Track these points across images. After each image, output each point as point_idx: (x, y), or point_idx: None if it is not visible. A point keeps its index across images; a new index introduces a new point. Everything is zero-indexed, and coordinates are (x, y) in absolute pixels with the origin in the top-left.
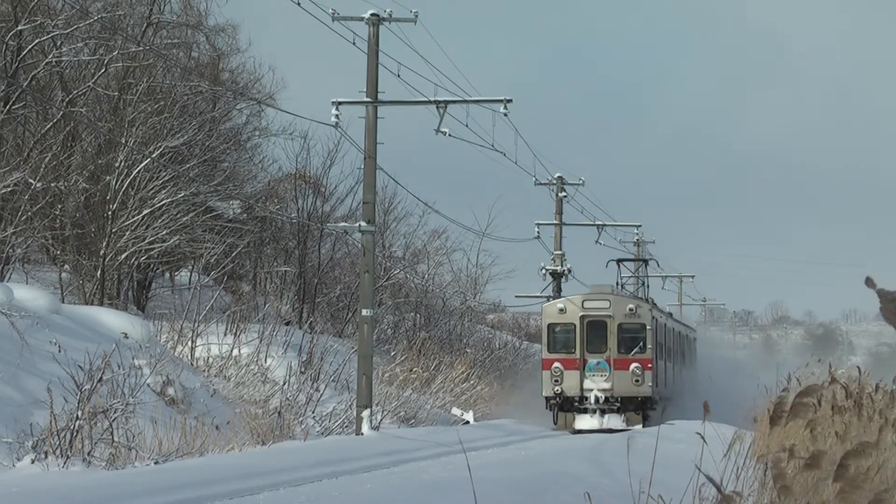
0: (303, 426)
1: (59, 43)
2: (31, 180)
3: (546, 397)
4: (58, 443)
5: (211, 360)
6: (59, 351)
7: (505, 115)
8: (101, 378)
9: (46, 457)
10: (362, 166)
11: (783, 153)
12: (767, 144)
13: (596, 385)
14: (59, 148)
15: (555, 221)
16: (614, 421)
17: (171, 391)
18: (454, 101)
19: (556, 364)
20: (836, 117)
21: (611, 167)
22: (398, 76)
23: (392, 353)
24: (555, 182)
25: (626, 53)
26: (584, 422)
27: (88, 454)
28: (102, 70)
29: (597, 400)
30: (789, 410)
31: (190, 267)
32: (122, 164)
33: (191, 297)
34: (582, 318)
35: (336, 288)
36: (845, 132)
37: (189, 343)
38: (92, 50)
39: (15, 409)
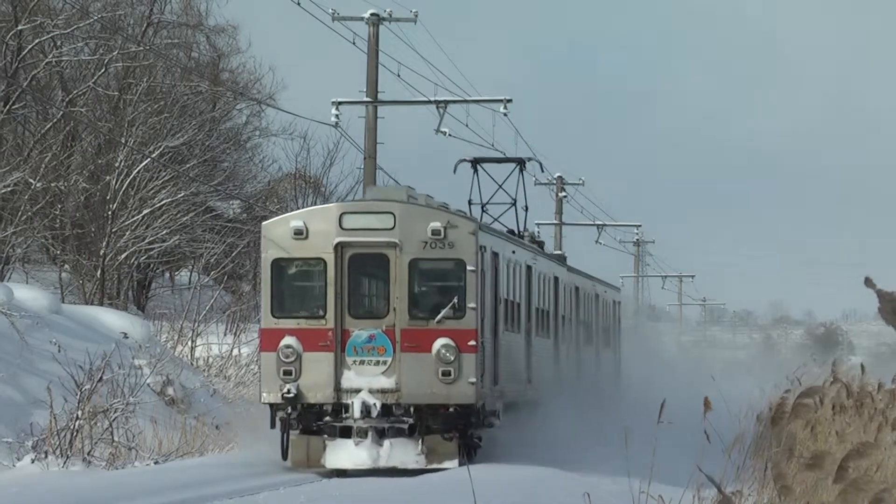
0: None
1: (59, 43)
2: (31, 180)
3: (269, 404)
4: (58, 443)
5: (211, 360)
6: (59, 351)
7: (505, 114)
8: (101, 378)
9: (46, 457)
10: (362, 166)
11: (783, 153)
12: (767, 144)
13: (367, 382)
14: (59, 148)
15: (555, 221)
16: (403, 452)
17: (170, 391)
18: (454, 101)
19: (289, 340)
20: (836, 117)
21: (611, 167)
22: (398, 76)
23: None
24: (555, 182)
25: (625, 53)
26: (345, 454)
27: (88, 454)
28: (102, 70)
29: (367, 411)
30: (791, 411)
31: (190, 267)
32: (122, 164)
33: (191, 296)
34: (340, 248)
35: None
36: (845, 132)
37: (189, 343)
38: (92, 50)
39: (15, 409)
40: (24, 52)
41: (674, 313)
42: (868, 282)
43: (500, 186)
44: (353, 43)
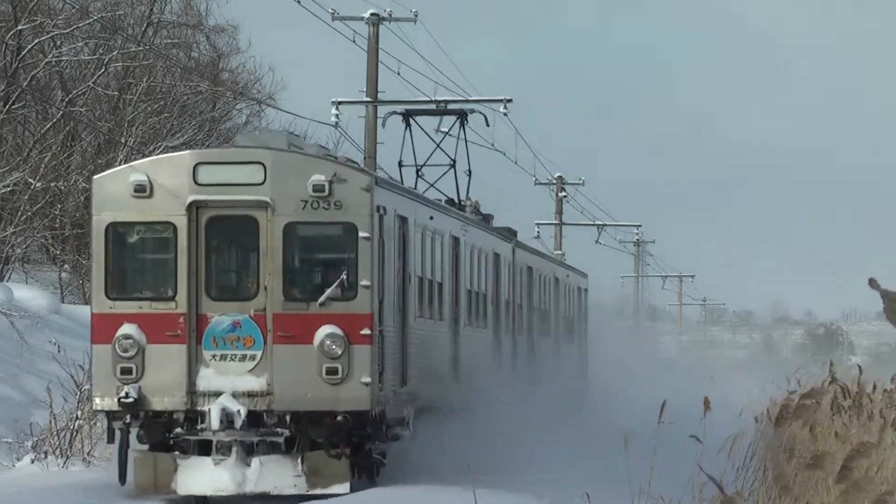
0: None
1: (59, 43)
2: (31, 180)
3: (104, 412)
4: (58, 443)
5: None
6: (59, 351)
7: (505, 114)
8: None
9: (46, 457)
10: (362, 166)
11: (783, 153)
12: (768, 144)
13: (229, 382)
14: (59, 148)
15: (555, 221)
16: (277, 474)
17: None
18: (454, 101)
19: (128, 328)
20: (836, 117)
21: (611, 167)
22: (398, 74)
23: None
24: (555, 182)
25: (626, 53)
26: (202, 477)
27: (88, 454)
28: (102, 70)
29: (229, 421)
30: (793, 412)
31: None
32: (122, 163)
33: None
34: (194, 209)
35: None
36: (846, 132)
37: None
38: (92, 50)
39: (15, 409)
40: (23, 52)
41: (674, 313)
42: (872, 282)
43: (438, 146)
44: (353, 41)
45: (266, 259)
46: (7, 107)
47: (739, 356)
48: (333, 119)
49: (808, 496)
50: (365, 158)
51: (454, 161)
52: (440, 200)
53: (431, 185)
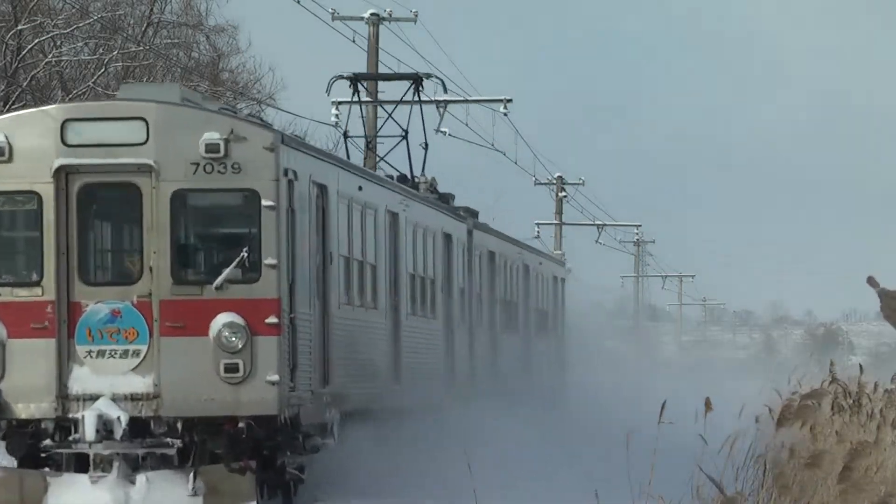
0: None
1: (58, 42)
2: None
3: None
4: None
5: None
6: None
7: (505, 114)
8: None
9: None
10: (362, 166)
11: (783, 153)
12: (768, 144)
13: (108, 384)
14: None
15: (555, 221)
16: (168, 493)
17: None
18: (454, 101)
19: None
20: (836, 117)
21: (611, 167)
22: None
23: None
24: (555, 182)
25: (626, 53)
26: (77, 498)
27: None
28: (102, 70)
29: (107, 430)
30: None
31: None
32: None
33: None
34: (63, 175)
35: None
36: (846, 131)
37: None
38: (92, 50)
39: None
40: (24, 52)
41: (674, 313)
42: (871, 281)
43: (390, 116)
44: (353, 41)
45: (151, 235)
46: (7, 107)
47: (740, 356)
48: (333, 119)
49: (807, 496)
50: (365, 159)
51: (406, 132)
52: (391, 177)
53: (381, 159)
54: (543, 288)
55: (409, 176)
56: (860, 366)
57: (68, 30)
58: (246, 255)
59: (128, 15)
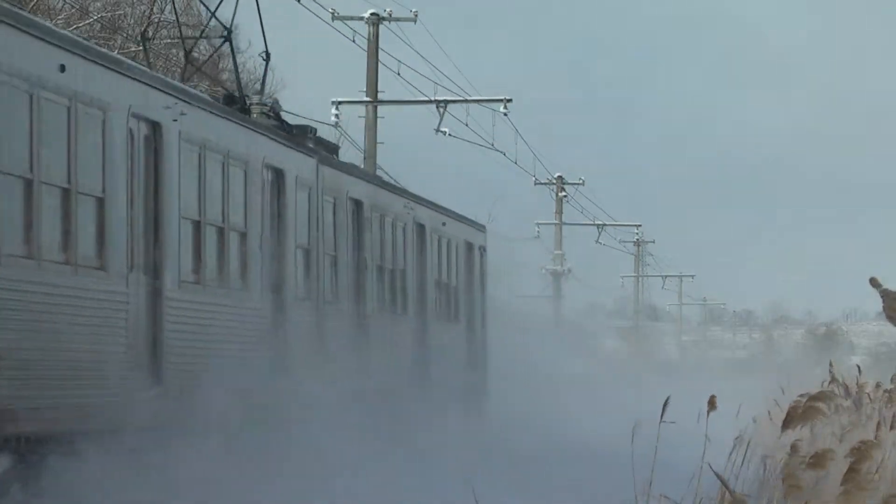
0: None
1: None
2: None
3: None
4: None
5: None
6: None
7: (505, 114)
8: None
9: None
10: (362, 166)
11: (783, 152)
12: (768, 144)
13: None
14: None
15: (555, 221)
16: None
17: None
18: (454, 101)
19: None
20: (835, 116)
21: (611, 167)
22: (398, 75)
23: None
24: (555, 182)
25: (626, 53)
26: None
27: None
28: None
29: None
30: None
31: None
32: None
33: None
34: None
35: None
36: (846, 131)
37: None
38: None
39: None
40: None
41: (674, 313)
42: (873, 281)
43: (213, 15)
44: (353, 41)
45: None
46: None
47: (740, 356)
48: (333, 119)
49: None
50: (365, 159)
51: (228, 30)
52: (218, 100)
53: (198, 70)
54: (449, 256)
55: (237, 95)
56: (858, 367)
57: (68, 30)
58: None
59: (128, 15)
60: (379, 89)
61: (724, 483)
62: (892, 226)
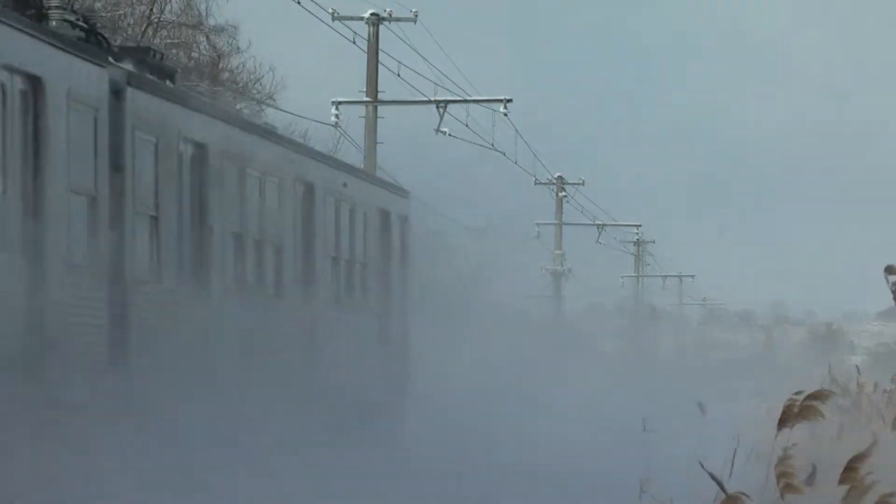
0: None
1: None
2: None
3: None
4: None
5: None
6: None
7: (505, 114)
8: None
9: None
10: (362, 166)
11: (783, 152)
12: (767, 144)
13: None
14: None
15: (555, 221)
16: None
17: None
18: (454, 101)
19: None
20: (835, 116)
21: (611, 167)
22: (398, 75)
23: None
24: (555, 182)
25: (626, 53)
26: None
27: None
28: None
29: None
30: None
31: None
32: None
33: None
34: None
35: None
36: (845, 131)
37: None
38: None
39: None
40: None
41: (674, 313)
42: (891, 269)
43: None
44: (353, 42)
45: None
46: None
47: (740, 356)
48: (333, 119)
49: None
50: (365, 159)
51: None
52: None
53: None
54: (357, 227)
55: None
56: (857, 367)
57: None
58: None
59: (128, 15)
60: (379, 89)
61: (717, 483)
62: (892, 226)
